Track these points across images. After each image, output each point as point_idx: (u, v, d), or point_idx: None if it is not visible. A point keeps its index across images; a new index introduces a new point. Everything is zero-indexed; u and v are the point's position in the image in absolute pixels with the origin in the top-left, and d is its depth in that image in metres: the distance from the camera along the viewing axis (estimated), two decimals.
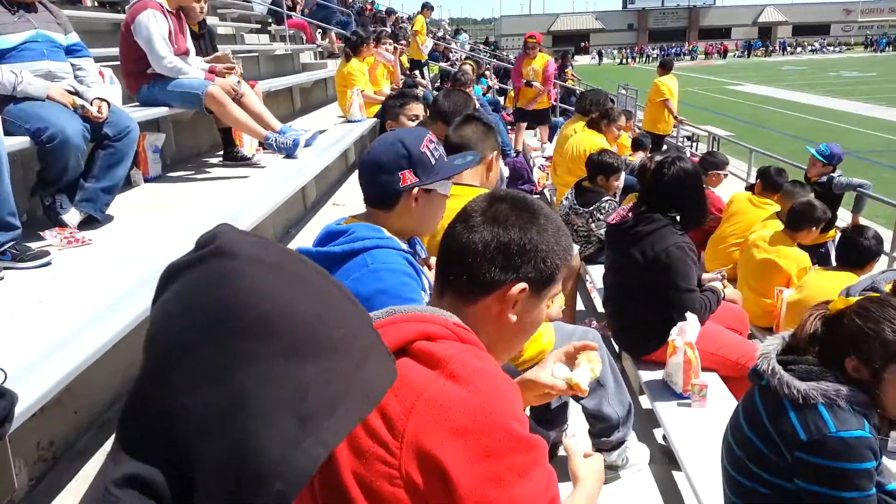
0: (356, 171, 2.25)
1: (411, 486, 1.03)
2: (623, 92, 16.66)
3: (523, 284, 1.24)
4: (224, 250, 0.70)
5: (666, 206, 3.28)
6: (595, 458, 1.43)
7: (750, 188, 6.65)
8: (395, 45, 9.04)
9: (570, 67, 18.30)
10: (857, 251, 4.05)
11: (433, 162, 1.96)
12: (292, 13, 11.91)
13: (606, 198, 4.86)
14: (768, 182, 5.68)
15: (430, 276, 1.80)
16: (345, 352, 0.71)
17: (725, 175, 6.50)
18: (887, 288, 3.48)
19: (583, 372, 1.40)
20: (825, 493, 1.73)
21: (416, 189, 1.93)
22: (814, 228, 4.66)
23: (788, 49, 74.11)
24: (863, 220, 6.97)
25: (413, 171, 1.92)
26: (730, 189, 7.02)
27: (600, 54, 72.18)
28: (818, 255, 5.50)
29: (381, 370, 0.76)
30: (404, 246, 1.95)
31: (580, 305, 4.88)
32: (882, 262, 5.56)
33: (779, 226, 4.81)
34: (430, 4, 14.53)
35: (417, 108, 3.58)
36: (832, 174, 6.30)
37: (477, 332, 1.23)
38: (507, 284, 1.23)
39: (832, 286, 3.90)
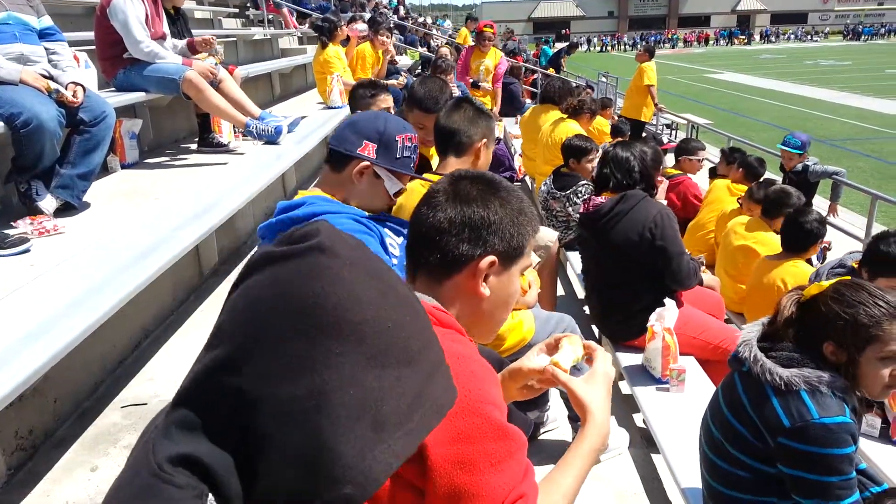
0: None
1: None
2: (603, 80, 16.70)
3: (492, 257, 1.25)
4: (325, 247, 0.72)
5: (627, 180, 3.34)
6: (598, 376, 1.37)
7: (712, 174, 6.73)
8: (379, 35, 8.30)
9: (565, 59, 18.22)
10: (801, 234, 4.07)
11: (398, 155, 2.00)
12: None
13: (583, 181, 4.88)
14: (750, 172, 5.74)
15: None
16: (419, 364, 0.74)
17: (700, 161, 6.55)
18: (854, 265, 3.54)
19: (565, 353, 1.41)
20: (808, 477, 1.76)
21: (364, 164, 1.97)
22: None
23: (770, 38, 74.59)
24: (840, 208, 7.06)
25: (376, 147, 1.96)
26: (706, 175, 7.09)
27: (589, 41, 72.18)
28: None
29: (446, 384, 0.80)
30: (365, 213, 1.98)
31: (560, 291, 4.90)
32: (857, 246, 5.66)
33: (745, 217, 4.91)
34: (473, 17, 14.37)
35: (388, 101, 3.54)
36: (807, 162, 6.37)
37: (454, 312, 1.24)
38: (476, 259, 1.25)
39: (786, 269, 3.99)
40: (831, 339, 1.80)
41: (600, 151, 5.70)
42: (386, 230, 2.00)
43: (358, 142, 1.97)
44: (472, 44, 8.81)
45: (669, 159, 7.38)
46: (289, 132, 4.80)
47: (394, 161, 2.00)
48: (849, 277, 1.90)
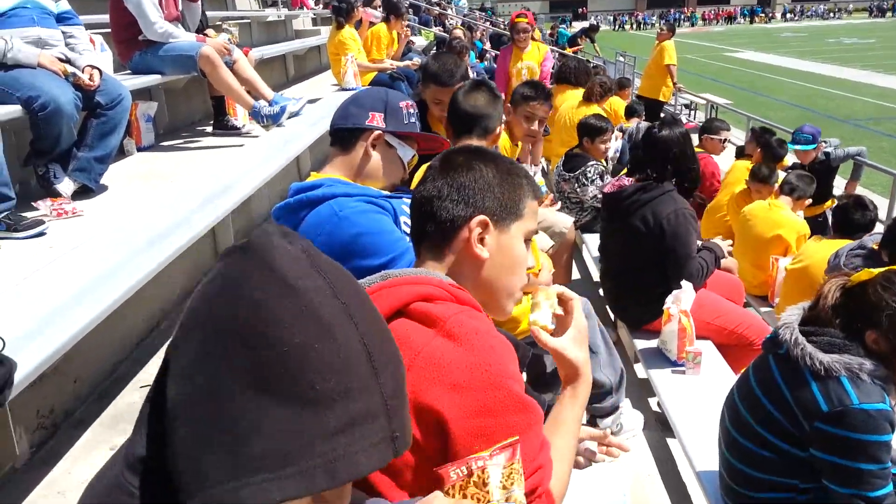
0: None
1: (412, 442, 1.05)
2: (621, 59, 16.52)
3: (483, 216, 1.27)
4: (255, 252, 0.67)
5: (658, 171, 3.26)
6: (580, 331, 1.37)
7: (739, 153, 6.62)
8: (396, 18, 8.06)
9: (588, 42, 17.96)
10: (850, 221, 4.06)
11: (405, 120, 2.00)
12: None
13: (592, 162, 4.85)
14: (768, 153, 5.66)
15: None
16: (326, 409, 0.62)
17: (724, 141, 6.43)
18: (874, 246, 3.51)
19: (543, 311, 1.38)
20: (843, 464, 1.75)
21: (375, 134, 1.95)
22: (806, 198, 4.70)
23: (789, 16, 73.30)
24: (859, 189, 6.96)
25: (383, 116, 1.96)
26: (726, 156, 7.00)
27: (615, 19, 70.99)
28: (816, 225, 5.49)
29: (366, 450, 0.64)
30: (378, 191, 1.97)
31: (576, 275, 4.89)
32: (878, 229, 5.58)
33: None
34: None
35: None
36: (826, 149, 6.21)
37: (462, 284, 1.25)
38: (468, 218, 1.27)
39: (828, 255, 3.92)
40: (875, 327, 1.77)
41: (615, 132, 5.67)
42: (403, 206, 1.98)
43: (364, 114, 1.95)
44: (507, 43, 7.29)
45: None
46: (295, 116, 4.78)
47: (402, 126, 1.99)
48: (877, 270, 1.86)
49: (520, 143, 3.84)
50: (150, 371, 2.72)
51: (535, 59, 6.65)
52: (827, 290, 1.88)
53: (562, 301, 1.38)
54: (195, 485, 0.61)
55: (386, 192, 1.99)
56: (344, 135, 1.99)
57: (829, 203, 6.08)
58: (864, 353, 1.77)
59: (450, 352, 1.09)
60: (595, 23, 22.97)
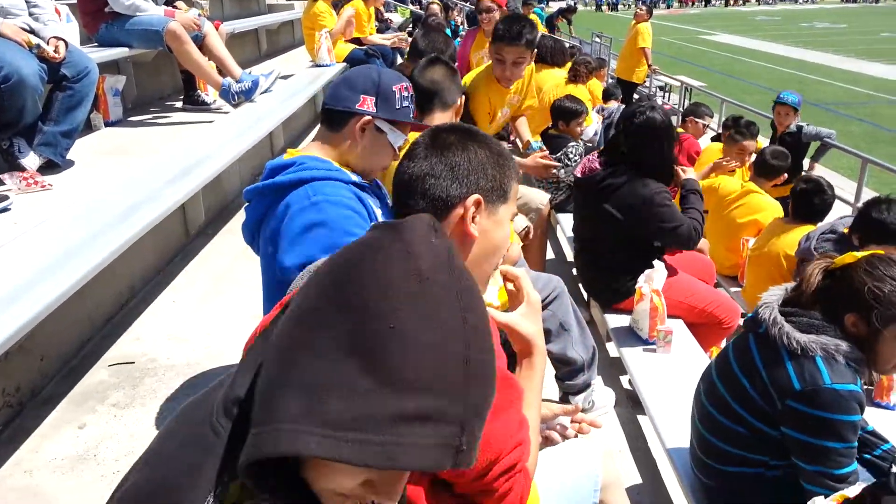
0: None
1: None
2: (597, 40, 16.51)
3: (477, 196, 1.27)
4: (407, 242, 0.70)
5: (632, 157, 3.21)
6: (532, 305, 1.39)
7: (716, 138, 6.70)
8: None
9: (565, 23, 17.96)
10: (810, 206, 4.10)
11: (398, 105, 1.94)
12: None
13: (572, 143, 4.85)
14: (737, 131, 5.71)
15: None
16: (407, 396, 0.63)
17: (705, 126, 6.56)
18: (845, 230, 3.56)
19: (490, 290, 1.43)
20: (811, 442, 1.78)
21: (365, 119, 1.90)
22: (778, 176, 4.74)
23: None
24: (825, 171, 7.06)
25: (375, 100, 1.90)
26: (701, 139, 7.08)
27: (606, 3, 70.63)
28: (784, 206, 5.55)
29: (429, 448, 0.64)
30: (354, 178, 1.91)
31: (550, 254, 4.90)
32: (846, 211, 5.67)
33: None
34: None
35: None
36: (800, 123, 6.35)
37: None
38: (463, 198, 1.27)
39: (791, 238, 3.98)
40: (855, 310, 1.79)
41: (590, 113, 5.67)
42: (366, 196, 1.94)
43: (355, 97, 1.90)
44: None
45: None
46: (266, 92, 4.71)
47: (394, 112, 1.94)
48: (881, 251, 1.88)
49: (498, 115, 3.83)
50: (119, 349, 2.68)
51: None
52: (809, 272, 1.90)
53: (508, 279, 1.41)
54: (265, 418, 0.65)
55: (357, 179, 1.93)
56: (333, 116, 1.94)
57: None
58: (841, 336, 1.79)
59: None
60: (573, 3, 22.88)
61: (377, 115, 1.91)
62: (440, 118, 2.61)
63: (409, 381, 0.63)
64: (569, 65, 6.71)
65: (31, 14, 3.29)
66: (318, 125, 2.02)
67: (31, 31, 3.18)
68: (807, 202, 4.11)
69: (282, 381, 0.66)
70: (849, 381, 1.75)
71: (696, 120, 6.47)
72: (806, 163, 6.76)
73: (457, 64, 6.02)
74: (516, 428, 1.14)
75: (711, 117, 6.65)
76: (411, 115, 2.01)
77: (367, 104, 1.90)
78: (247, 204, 1.97)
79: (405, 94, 1.96)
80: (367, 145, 1.94)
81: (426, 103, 2.62)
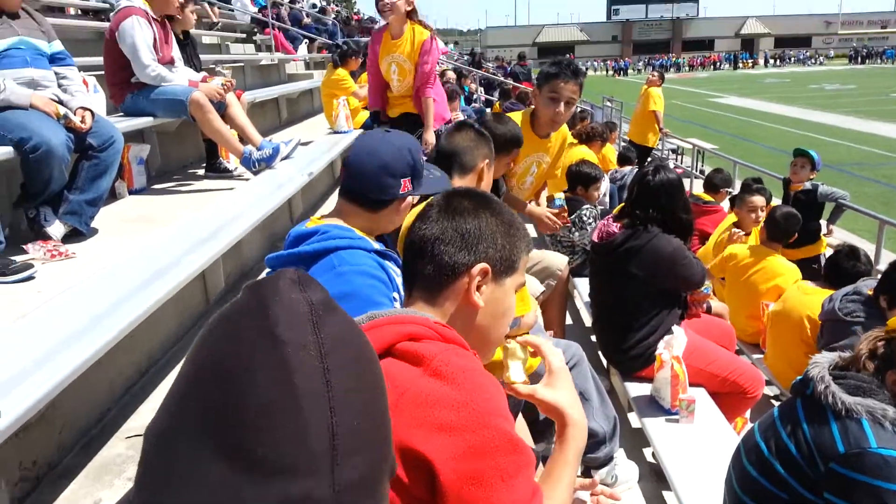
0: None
1: (396, 483, 1.02)
2: (609, 104, 16.76)
3: (485, 265, 1.27)
4: (260, 289, 0.63)
5: (652, 216, 3.27)
6: (558, 374, 1.34)
7: (733, 203, 6.69)
8: None
9: None
10: (839, 270, 4.06)
11: (426, 176, 2.04)
12: (277, 22, 11.89)
13: (587, 206, 4.88)
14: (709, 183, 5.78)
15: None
16: (265, 479, 0.56)
17: (729, 192, 6.55)
18: (869, 292, 3.52)
19: (515, 367, 1.40)
20: None
21: (407, 200, 1.99)
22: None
23: (772, 61, 75.05)
24: (843, 233, 7.02)
25: (411, 180, 1.97)
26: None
27: (615, 69, 71.99)
28: (810, 270, 5.50)
29: None
30: (376, 245, 1.94)
31: (567, 319, 4.87)
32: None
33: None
34: None
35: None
36: (816, 183, 6.30)
37: (452, 326, 1.24)
38: (469, 266, 1.27)
39: (814, 301, 3.92)
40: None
41: (606, 179, 5.72)
42: (389, 264, 1.97)
43: (398, 184, 1.94)
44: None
45: None
46: (286, 158, 4.79)
47: (426, 184, 2.03)
48: None
49: (520, 167, 3.74)
50: (137, 420, 2.66)
51: (406, 51, 4.72)
52: (862, 340, 1.88)
53: (530, 347, 1.40)
54: None
55: (380, 248, 1.96)
56: (374, 201, 1.96)
57: (822, 247, 6.13)
58: (891, 401, 1.75)
59: (437, 390, 1.07)
60: (583, 68, 23.31)
61: (414, 193, 2.00)
62: (459, 182, 2.61)
63: (265, 464, 0.56)
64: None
65: (59, 85, 3.40)
66: (338, 195, 2.05)
67: (60, 102, 3.27)
68: (837, 266, 4.07)
69: (140, 479, 0.61)
70: None
71: (721, 189, 6.45)
72: (823, 224, 6.72)
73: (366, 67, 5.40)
74: (528, 497, 1.08)
75: (728, 185, 6.66)
76: (438, 182, 2.10)
77: (407, 186, 1.96)
78: (268, 271, 1.98)
79: (423, 158, 2.08)
80: (401, 213, 2.02)
81: (444, 167, 2.63)
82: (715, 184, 6.54)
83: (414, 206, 2.14)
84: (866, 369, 1.85)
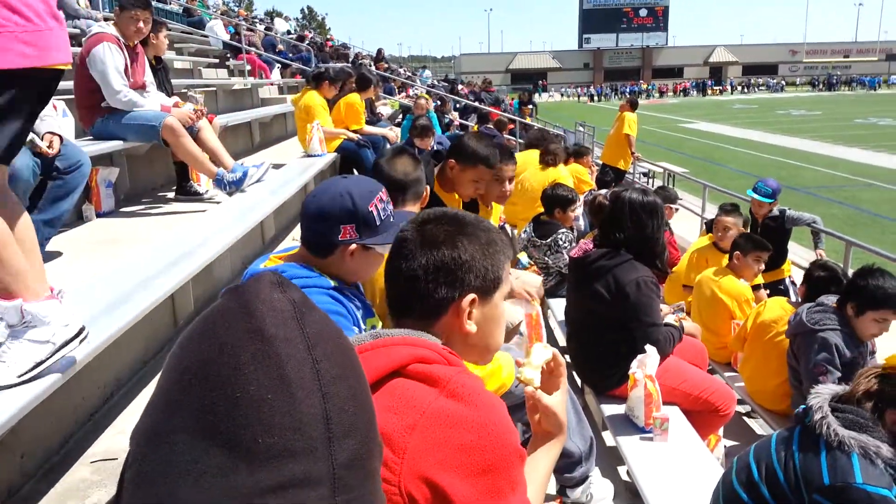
0: None
1: (412, 503, 1.06)
2: (581, 129, 16.99)
3: (472, 295, 1.28)
4: (241, 292, 0.66)
5: (619, 238, 3.28)
6: (565, 393, 1.45)
7: (709, 228, 6.75)
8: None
9: (531, 105, 18.61)
10: (823, 292, 3.96)
11: (378, 221, 1.87)
12: (251, 48, 11.91)
13: (563, 230, 4.92)
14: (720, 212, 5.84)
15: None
16: (262, 465, 0.59)
17: (676, 209, 6.67)
18: (834, 305, 3.57)
19: (536, 371, 1.43)
20: None
21: (352, 247, 1.85)
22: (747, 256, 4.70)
23: (739, 88, 76.68)
24: (810, 254, 7.11)
25: (356, 226, 1.84)
26: (684, 223, 7.17)
27: (589, 95, 72.63)
28: (777, 293, 5.57)
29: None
30: (333, 283, 1.86)
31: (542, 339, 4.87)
32: None
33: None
34: None
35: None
36: (783, 208, 6.36)
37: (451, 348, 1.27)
38: (457, 300, 1.28)
39: (785, 318, 3.96)
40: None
41: (581, 200, 5.78)
42: (348, 297, 1.90)
43: (335, 230, 1.83)
44: None
45: None
46: (258, 182, 4.77)
47: (376, 230, 1.87)
48: None
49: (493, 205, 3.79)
50: (102, 444, 2.60)
51: None
52: (860, 375, 1.89)
53: (552, 363, 1.45)
54: None
55: (337, 283, 1.87)
56: (316, 247, 1.88)
57: (787, 271, 6.20)
58: (887, 439, 1.75)
59: (457, 411, 1.10)
60: (533, 99, 23.59)
61: (360, 242, 1.86)
62: (412, 209, 2.66)
63: (263, 451, 0.59)
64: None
65: None
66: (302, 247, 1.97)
67: None
68: (822, 288, 3.93)
69: (134, 481, 0.62)
70: (883, 486, 1.68)
71: (669, 206, 6.52)
72: (797, 248, 6.77)
73: None
74: (525, 494, 1.17)
75: (676, 199, 6.85)
76: (394, 222, 1.94)
77: (349, 233, 1.83)
78: None
79: (381, 205, 1.89)
80: (359, 262, 1.90)
81: (400, 195, 2.64)
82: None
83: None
84: (863, 406, 1.86)
